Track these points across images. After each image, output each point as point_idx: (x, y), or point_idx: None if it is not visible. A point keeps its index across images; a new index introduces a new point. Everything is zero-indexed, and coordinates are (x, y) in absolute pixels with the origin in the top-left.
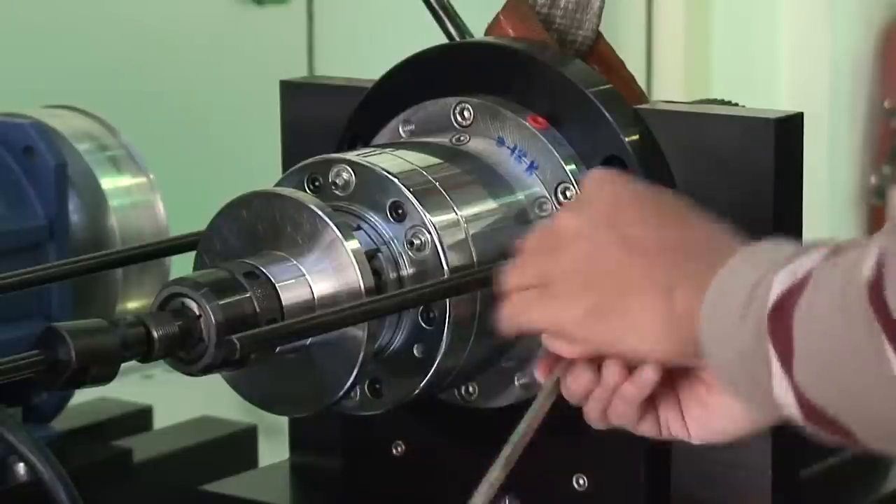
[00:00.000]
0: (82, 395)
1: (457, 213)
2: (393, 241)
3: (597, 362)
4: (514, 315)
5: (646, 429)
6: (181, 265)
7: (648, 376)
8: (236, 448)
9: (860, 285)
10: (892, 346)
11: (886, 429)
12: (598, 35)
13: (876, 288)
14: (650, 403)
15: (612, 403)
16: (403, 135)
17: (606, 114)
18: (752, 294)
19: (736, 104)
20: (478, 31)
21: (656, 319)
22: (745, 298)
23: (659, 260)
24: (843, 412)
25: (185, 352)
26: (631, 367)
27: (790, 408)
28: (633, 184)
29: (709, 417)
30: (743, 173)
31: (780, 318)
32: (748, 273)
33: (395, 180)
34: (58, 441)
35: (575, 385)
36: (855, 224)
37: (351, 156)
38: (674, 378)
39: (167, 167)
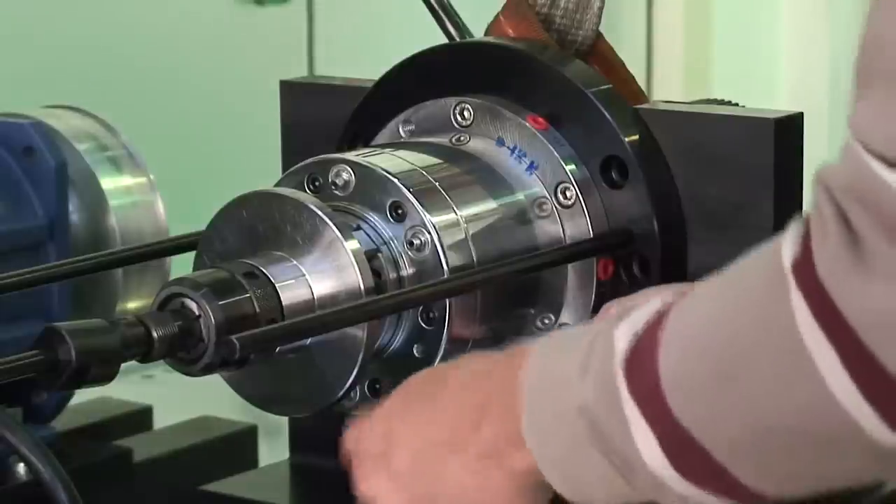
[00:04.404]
0: (82, 395)
1: (457, 213)
2: (393, 241)
3: None
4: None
5: None
6: (181, 265)
7: None
8: (236, 448)
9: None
10: (801, 293)
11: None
12: (598, 35)
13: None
14: None
15: None
16: (403, 135)
17: (606, 114)
18: (584, 364)
19: (736, 104)
20: (478, 31)
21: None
22: (574, 372)
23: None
24: (719, 425)
25: (185, 352)
26: None
27: (652, 459)
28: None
29: None
30: (743, 173)
31: (639, 360)
32: (561, 360)
33: (395, 180)
34: (58, 441)
35: None
36: None
37: (351, 156)
38: None
39: (167, 167)
